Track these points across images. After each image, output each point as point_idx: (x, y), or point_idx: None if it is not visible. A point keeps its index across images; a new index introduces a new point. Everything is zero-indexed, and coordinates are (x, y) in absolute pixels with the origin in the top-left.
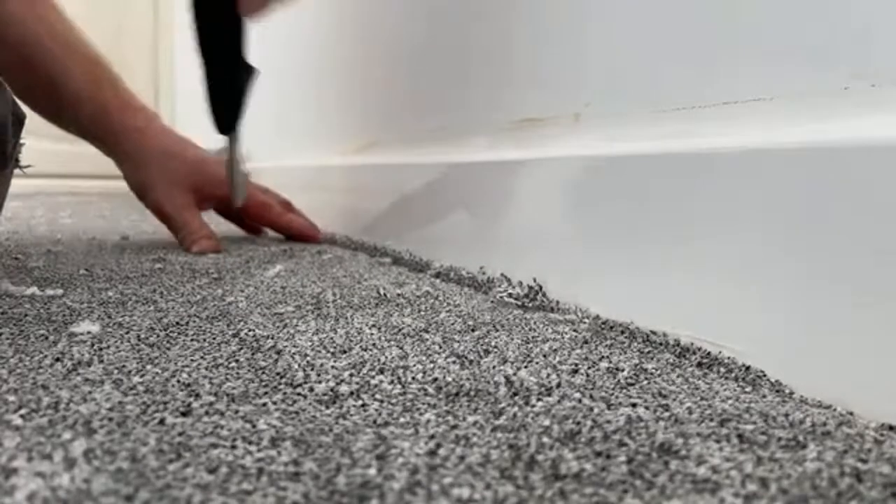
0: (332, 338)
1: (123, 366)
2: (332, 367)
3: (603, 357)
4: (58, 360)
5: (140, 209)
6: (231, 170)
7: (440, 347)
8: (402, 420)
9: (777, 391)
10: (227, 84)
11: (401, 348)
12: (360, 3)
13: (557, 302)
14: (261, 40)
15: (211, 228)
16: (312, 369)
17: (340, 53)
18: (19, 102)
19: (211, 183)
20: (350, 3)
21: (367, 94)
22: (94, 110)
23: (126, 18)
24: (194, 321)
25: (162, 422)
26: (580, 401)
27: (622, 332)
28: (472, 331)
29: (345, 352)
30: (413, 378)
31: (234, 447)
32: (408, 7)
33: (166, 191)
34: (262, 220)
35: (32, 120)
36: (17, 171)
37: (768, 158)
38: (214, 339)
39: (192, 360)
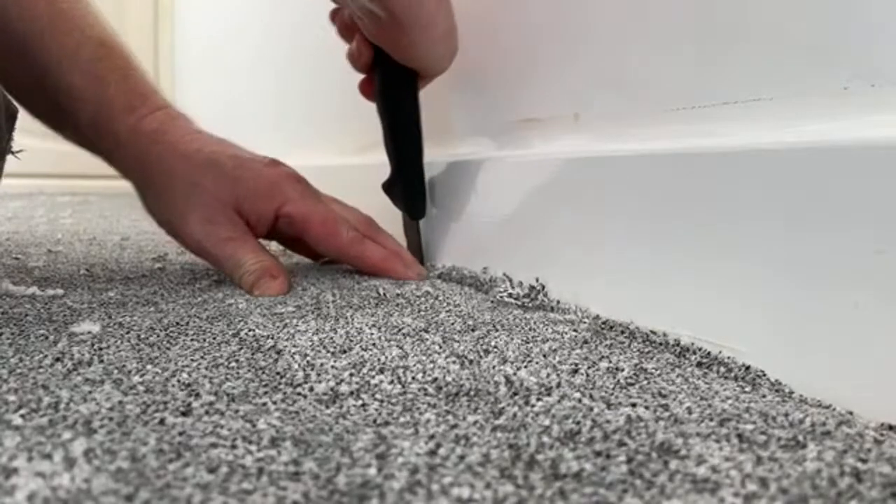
0: (332, 338)
1: (123, 366)
2: (332, 366)
3: (603, 357)
4: (58, 359)
5: (140, 208)
6: (413, 247)
7: (440, 347)
8: (402, 420)
9: (777, 391)
10: (418, 164)
11: (401, 348)
12: None
13: (557, 302)
14: (261, 40)
15: (272, 257)
16: (312, 369)
17: (342, 53)
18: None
19: (265, 195)
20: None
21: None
22: (95, 112)
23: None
24: (194, 321)
25: (162, 421)
26: (580, 401)
27: (622, 332)
28: (472, 331)
29: (345, 352)
30: (413, 378)
31: (234, 447)
32: None
33: (202, 219)
34: (327, 247)
35: (33, 120)
36: (16, 171)
37: (768, 158)
38: (214, 339)
39: (192, 359)
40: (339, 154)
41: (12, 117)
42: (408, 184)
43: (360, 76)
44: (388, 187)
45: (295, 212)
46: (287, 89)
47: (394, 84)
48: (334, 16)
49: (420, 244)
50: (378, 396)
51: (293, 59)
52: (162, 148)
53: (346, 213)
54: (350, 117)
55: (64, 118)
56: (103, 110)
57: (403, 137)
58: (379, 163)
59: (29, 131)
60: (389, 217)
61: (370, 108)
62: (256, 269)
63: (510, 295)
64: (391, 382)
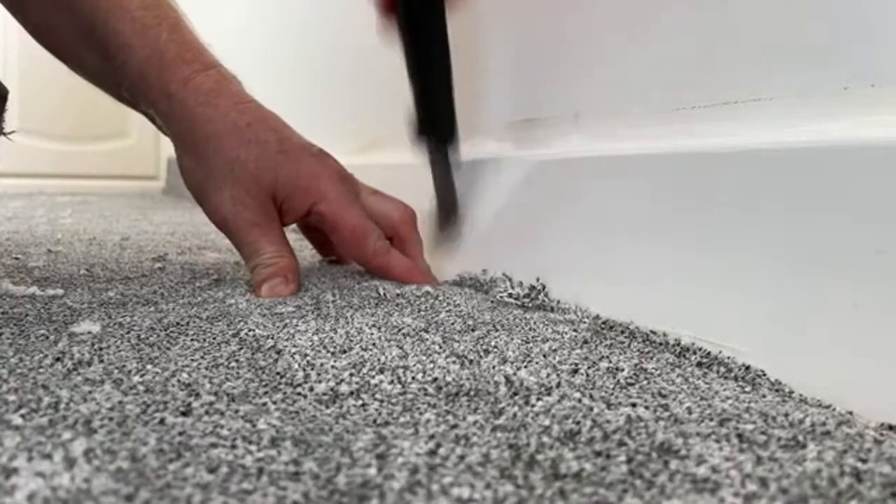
0: (332, 338)
1: (124, 366)
2: (332, 366)
3: (603, 357)
4: (58, 359)
5: (141, 208)
6: (444, 195)
7: (440, 347)
8: (402, 420)
9: (777, 391)
10: (445, 80)
11: (401, 348)
12: (364, 3)
13: (557, 302)
14: (262, 39)
15: (291, 255)
16: (312, 369)
17: (343, 53)
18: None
19: (304, 187)
20: (354, 1)
21: (370, 93)
22: (146, 59)
23: None
24: (194, 321)
25: (162, 421)
26: (580, 400)
27: (622, 332)
28: (472, 331)
29: (345, 352)
30: (413, 378)
31: (234, 447)
32: None
33: (234, 197)
34: (353, 254)
35: (33, 120)
36: (16, 171)
37: (768, 158)
38: (214, 339)
39: (192, 359)
40: (340, 154)
41: (3, 98)
42: (435, 105)
43: (364, 76)
44: (412, 121)
45: (328, 212)
46: (290, 90)
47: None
48: None
49: (454, 188)
50: (378, 396)
51: (297, 59)
52: (213, 112)
53: (385, 209)
54: (352, 116)
55: (112, 70)
56: (154, 58)
57: (434, 49)
58: (380, 163)
59: (29, 131)
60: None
61: (372, 108)
62: (272, 265)
63: (510, 295)
64: (391, 382)
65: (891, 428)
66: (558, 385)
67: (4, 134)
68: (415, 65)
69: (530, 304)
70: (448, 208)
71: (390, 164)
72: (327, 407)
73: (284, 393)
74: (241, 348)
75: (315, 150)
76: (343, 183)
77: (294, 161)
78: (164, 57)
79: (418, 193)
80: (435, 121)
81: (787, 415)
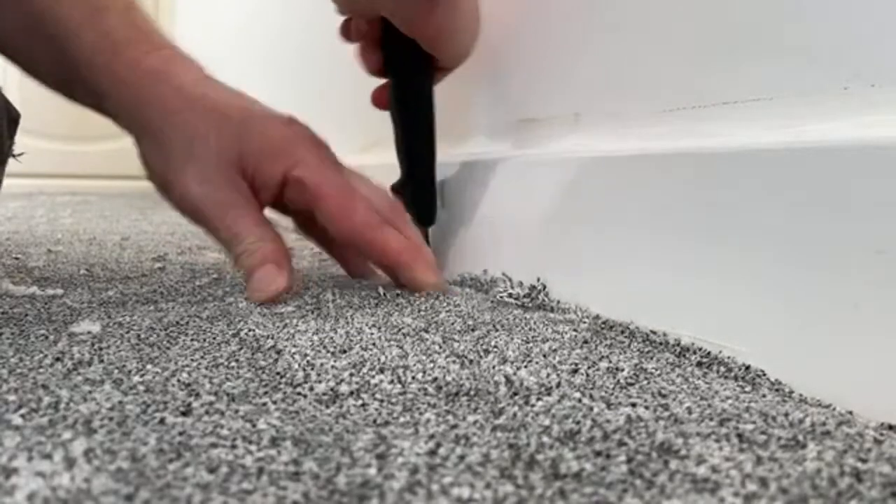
0: (332, 338)
1: (124, 365)
2: (332, 366)
3: (603, 357)
4: (58, 359)
5: (141, 208)
6: None
7: (440, 347)
8: (402, 420)
9: (777, 390)
10: (430, 169)
11: (401, 348)
12: None
13: (557, 302)
14: (263, 39)
15: (275, 235)
16: (312, 369)
17: (345, 53)
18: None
19: (274, 154)
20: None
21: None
22: (94, 43)
23: None
24: (194, 321)
25: (162, 421)
26: (580, 400)
27: (622, 332)
28: (472, 331)
29: (345, 351)
30: (413, 378)
31: (234, 447)
32: None
33: (199, 175)
34: (340, 225)
35: (32, 120)
36: (16, 171)
37: (768, 158)
38: (214, 339)
39: (192, 359)
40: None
41: (14, 122)
42: (419, 188)
43: (365, 76)
44: (398, 190)
45: (307, 177)
46: (292, 90)
47: (409, 84)
48: (346, 30)
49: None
50: (378, 396)
51: (296, 57)
52: (164, 89)
53: (370, 194)
54: (353, 116)
55: (63, 65)
56: (102, 43)
57: (417, 140)
58: (382, 163)
59: (29, 131)
60: None
61: (373, 108)
62: (258, 249)
63: (510, 295)
64: (391, 382)
65: (891, 428)
66: (558, 385)
67: (14, 156)
68: (403, 148)
69: (530, 304)
70: None
71: (392, 164)
72: (327, 407)
73: (284, 393)
74: (241, 348)
75: (284, 118)
76: (320, 148)
77: (259, 127)
78: (113, 39)
79: None
80: (417, 207)
81: (787, 415)
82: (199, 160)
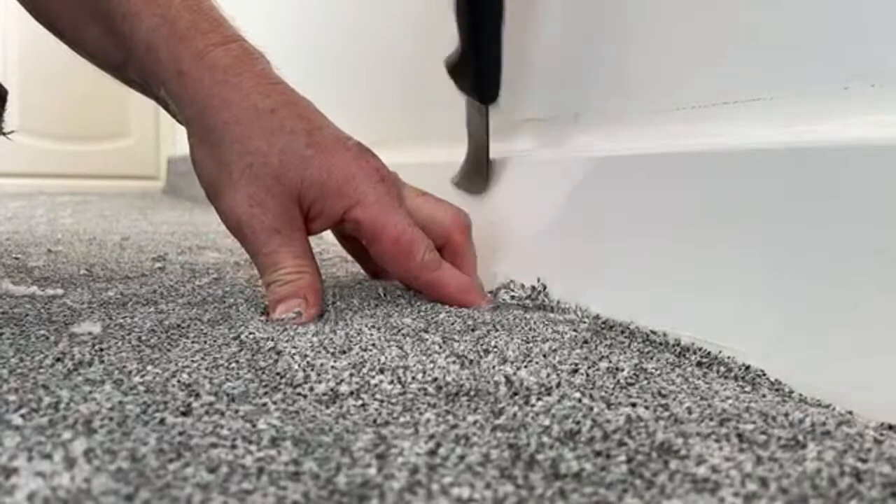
0: (331, 338)
1: (124, 366)
2: (332, 367)
3: (603, 357)
4: (58, 360)
5: (141, 208)
6: (476, 150)
7: (440, 347)
8: (402, 420)
9: (776, 390)
10: (495, 37)
11: (401, 348)
12: (369, 3)
13: (558, 302)
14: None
15: (314, 271)
16: (312, 369)
17: (346, 53)
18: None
19: (336, 189)
20: (360, 2)
21: (372, 92)
22: (154, 28)
23: None
24: (195, 324)
25: (162, 421)
26: (580, 400)
27: (622, 332)
28: (472, 331)
29: (344, 352)
30: (413, 378)
31: (234, 447)
32: (413, 8)
33: (251, 196)
34: (396, 267)
35: (33, 120)
36: (16, 171)
37: (768, 158)
38: (215, 341)
39: (192, 360)
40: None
41: (2, 99)
42: (482, 59)
43: (366, 75)
44: (454, 67)
45: (365, 219)
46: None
47: None
48: None
49: (487, 141)
50: (378, 396)
51: (297, 57)
52: (231, 92)
53: (434, 213)
54: (354, 116)
55: (116, 45)
56: (164, 28)
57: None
58: (386, 162)
59: (29, 131)
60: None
61: (375, 107)
62: (291, 282)
63: (510, 295)
64: (391, 382)
65: (891, 428)
66: (558, 385)
67: (4, 134)
68: (466, 9)
69: (530, 305)
70: (479, 165)
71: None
72: (327, 407)
73: (284, 393)
74: (242, 350)
75: (351, 145)
76: (384, 184)
77: (326, 157)
78: (176, 26)
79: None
80: (479, 80)
81: (787, 415)
82: (256, 179)
